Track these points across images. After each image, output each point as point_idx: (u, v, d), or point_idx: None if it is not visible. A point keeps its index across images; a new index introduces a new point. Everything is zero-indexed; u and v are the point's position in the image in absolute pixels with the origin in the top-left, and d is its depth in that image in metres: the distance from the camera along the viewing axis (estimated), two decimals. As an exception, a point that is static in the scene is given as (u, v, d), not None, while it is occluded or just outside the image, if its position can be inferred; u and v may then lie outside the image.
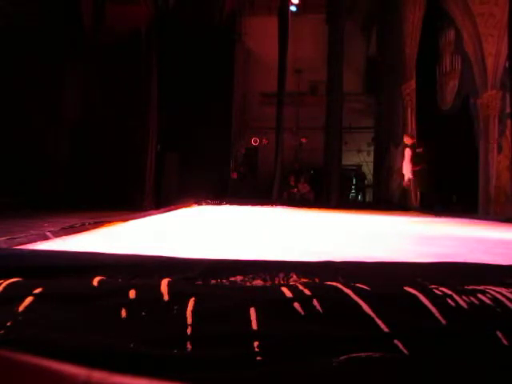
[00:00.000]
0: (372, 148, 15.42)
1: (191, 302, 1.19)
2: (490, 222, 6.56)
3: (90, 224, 3.70)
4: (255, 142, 15.86)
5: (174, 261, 1.79)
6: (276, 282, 1.58)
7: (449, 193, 9.93)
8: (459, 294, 1.29)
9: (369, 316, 1.17)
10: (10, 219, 3.89)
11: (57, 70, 6.70)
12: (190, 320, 1.12)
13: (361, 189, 16.76)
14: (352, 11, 14.42)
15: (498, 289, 1.34)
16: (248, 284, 1.55)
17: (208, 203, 10.55)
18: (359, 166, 16.59)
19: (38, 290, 1.22)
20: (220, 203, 10.78)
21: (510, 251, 3.26)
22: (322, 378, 0.95)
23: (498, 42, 7.96)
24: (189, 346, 1.03)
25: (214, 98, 11.25)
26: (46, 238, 2.83)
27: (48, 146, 6.59)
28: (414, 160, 9.97)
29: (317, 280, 1.57)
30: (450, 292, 1.30)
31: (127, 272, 1.57)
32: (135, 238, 3.42)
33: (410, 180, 10.25)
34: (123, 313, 1.15)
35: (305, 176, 15.47)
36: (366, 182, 16.40)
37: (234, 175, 14.35)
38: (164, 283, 1.30)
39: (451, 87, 9.89)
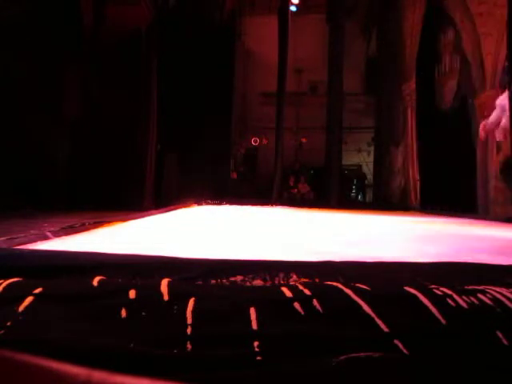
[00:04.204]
0: (372, 148, 15.42)
1: (191, 302, 1.19)
2: (490, 222, 6.56)
3: (89, 224, 3.70)
4: (255, 141, 15.87)
5: (174, 261, 1.79)
6: (276, 282, 1.58)
7: (449, 193, 9.92)
8: (459, 293, 1.29)
9: (369, 316, 1.17)
10: (10, 219, 3.89)
11: (57, 69, 6.70)
12: (190, 320, 1.12)
13: (361, 189, 16.76)
14: (352, 11, 14.42)
15: (498, 289, 1.34)
16: (248, 284, 1.55)
17: (208, 203, 10.55)
18: (359, 166, 16.58)
19: (38, 290, 1.22)
20: (220, 203, 10.78)
21: (510, 251, 3.26)
22: (322, 377, 0.95)
23: (497, 42, 7.96)
24: (189, 346, 1.03)
25: (213, 98, 11.25)
26: (45, 238, 2.83)
27: (48, 146, 6.58)
28: None
29: (317, 280, 1.57)
30: (450, 292, 1.30)
31: (127, 272, 1.57)
32: (135, 238, 3.41)
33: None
34: (123, 313, 1.15)
35: (305, 176, 15.47)
36: (366, 181, 16.40)
37: (234, 175, 14.35)
38: (164, 283, 1.30)
39: (450, 87, 9.89)
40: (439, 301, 1.25)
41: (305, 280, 1.57)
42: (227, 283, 1.54)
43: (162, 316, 1.15)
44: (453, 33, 9.78)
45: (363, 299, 1.23)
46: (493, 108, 7.77)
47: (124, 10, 7.66)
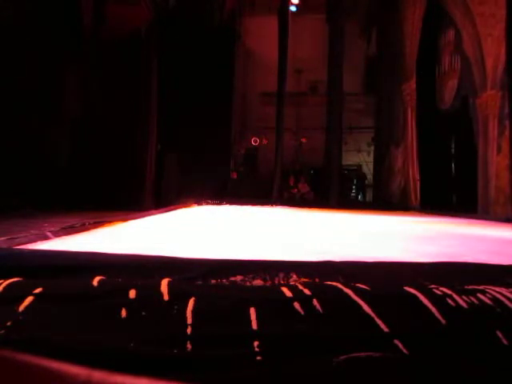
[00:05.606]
0: (372, 148, 15.41)
1: (191, 302, 1.19)
2: (490, 222, 6.57)
3: (90, 224, 3.70)
4: (255, 141, 15.85)
5: (174, 261, 1.79)
6: (276, 282, 1.58)
7: (449, 193, 9.92)
8: (459, 293, 1.29)
9: (369, 316, 1.17)
10: (10, 219, 3.89)
11: (57, 69, 6.70)
12: (190, 320, 1.12)
13: (361, 189, 16.74)
14: (352, 11, 14.42)
15: (498, 289, 1.34)
16: (248, 284, 1.55)
17: (208, 203, 10.55)
18: (359, 166, 16.57)
19: (38, 290, 1.22)
20: (220, 203, 10.79)
21: (509, 251, 3.26)
22: (322, 377, 0.95)
23: (498, 42, 7.95)
24: (189, 346, 1.03)
25: (214, 98, 11.25)
26: (46, 238, 2.83)
27: (48, 146, 6.59)
28: None
29: (317, 280, 1.57)
30: (449, 292, 1.30)
31: (127, 272, 1.57)
32: (135, 238, 3.42)
33: None
34: (123, 313, 1.15)
35: (305, 176, 15.47)
36: (366, 181, 16.38)
37: (234, 175, 14.35)
38: (164, 283, 1.30)
39: (450, 87, 9.89)
40: (439, 301, 1.25)
41: (305, 280, 1.57)
42: (227, 283, 1.54)
43: (162, 316, 1.15)
44: (453, 33, 9.79)
45: (363, 299, 1.23)
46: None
47: (124, 10, 7.65)
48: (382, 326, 1.13)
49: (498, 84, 8.09)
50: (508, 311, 1.22)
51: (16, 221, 3.72)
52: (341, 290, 1.30)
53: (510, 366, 1.03)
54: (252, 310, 1.16)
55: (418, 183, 11.04)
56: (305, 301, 1.22)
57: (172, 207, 7.76)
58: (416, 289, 1.31)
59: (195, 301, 1.20)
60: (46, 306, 1.17)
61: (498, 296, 1.28)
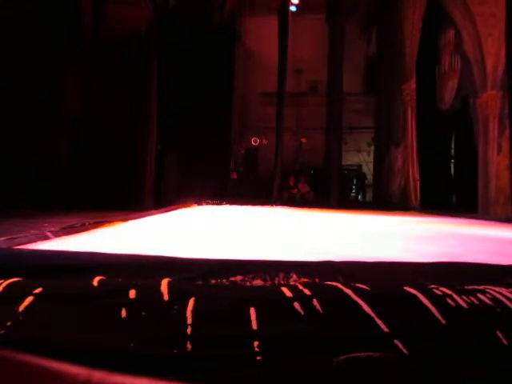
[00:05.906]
0: (372, 148, 15.41)
1: (191, 302, 1.19)
2: (490, 222, 6.57)
3: (90, 224, 3.70)
4: (255, 141, 15.85)
5: (174, 261, 1.79)
6: (276, 282, 1.58)
7: (449, 193, 9.92)
8: (459, 293, 1.29)
9: (369, 316, 1.17)
10: (10, 219, 3.89)
11: (57, 69, 6.70)
12: (190, 320, 1.12)
13: (361, 189, 16.74)
14: (352, 11, 14.42)
15: (497, 289, 1.34)
16: (248, 284, 1.55)
17: (208, 203, 10.56)
18: (359, 166, 16.57)
19: (38, 290, 1.22)
20: (220, 203, 10.79)
21: (510, 251, 3.26)
22: (322, 377, 0.95)
23: (498, 42, 7.95)
24: (189, 346, 1.03)
25: (214, 98, 11.26)
26: (46, 238, 2.83)
27: (48, 146, 6.59)
28: None
29: (317, 280, 1.57)
30: (449, 292, 1.30)
31: (127, 272, 1.57)
32: (135, 238, 3.42)
33: None
34: (123, 313, 1.15)
35: (305, 176, 15.47)
36: (366, 181, 16.38)
37: (234, 175, 14.35)
38: (164, 283, 1.30)
39: (450, 87, 9.89)
40: (439, 301, 1.25)
41: (305, 280, 1.57)
42: (227, 283, 1.54)
43: (162, 316, 1.15)
44: (453, 33, 9.79)
45: (363, 299, 1.23)
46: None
47: (124, 10, 7.65)
48: (382, 326, 1.13)
49: (498, 84, 8.09)
50: (508, 311, 1.22)
51: (16, 221, 3.72)
52: (341, 290, 1.30)
53: (510, 366, 1.03)
54: (252, 310, 1.16)
55: (418, 183, 11.04)
56: (305, 301, 1.22)
57: (172, 207, 7.76)
58: (416, 289, 1.31)
59: (195, 301, 1.20)
60: (45, 306, 1.17)
61: (498, 296, 1.28)
